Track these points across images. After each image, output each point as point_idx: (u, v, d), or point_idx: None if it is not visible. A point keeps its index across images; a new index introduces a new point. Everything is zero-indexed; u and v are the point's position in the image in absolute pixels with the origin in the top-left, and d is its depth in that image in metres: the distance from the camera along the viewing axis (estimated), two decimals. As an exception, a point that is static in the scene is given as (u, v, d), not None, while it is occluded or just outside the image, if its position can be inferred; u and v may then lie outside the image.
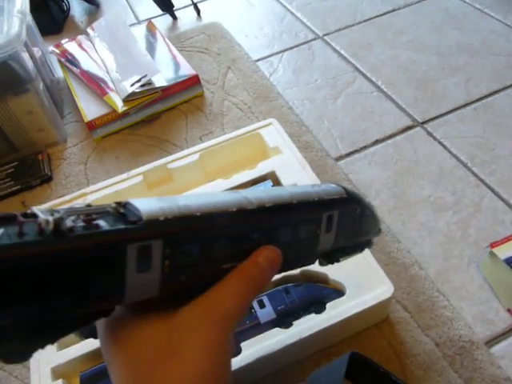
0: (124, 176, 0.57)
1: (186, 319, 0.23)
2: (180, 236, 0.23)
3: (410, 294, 0.49)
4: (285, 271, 0.29)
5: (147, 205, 0.22)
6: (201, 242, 0.24)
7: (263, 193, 0.28)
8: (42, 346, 0.20)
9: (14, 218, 0.18)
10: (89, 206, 0.21)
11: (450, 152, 0.64)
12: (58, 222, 0.19)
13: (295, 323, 0.42)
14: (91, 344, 0.42)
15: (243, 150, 0.60)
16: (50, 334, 0.20)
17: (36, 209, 0.19)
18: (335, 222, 0.31)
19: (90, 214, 0.20)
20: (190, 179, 0.58)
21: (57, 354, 0.41)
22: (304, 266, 0.32)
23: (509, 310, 0.47)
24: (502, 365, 0.44)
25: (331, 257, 0.33)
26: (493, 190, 0.58)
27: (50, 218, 0.18)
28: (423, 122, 0.68)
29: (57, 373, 0.41)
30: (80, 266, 0.19)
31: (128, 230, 0.21)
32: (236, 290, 0.25)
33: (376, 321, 0.47)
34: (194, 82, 0.75)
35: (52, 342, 0.20)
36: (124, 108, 0.71)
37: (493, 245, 0.50)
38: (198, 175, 0.59)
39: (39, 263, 0.18)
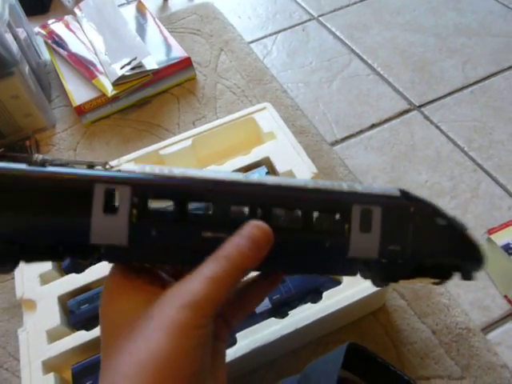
0: (115, 162, 0.55)
1: (159, 299, 0.23)
2: (151, 188, 0.24)
3: (407, 281, 0.48)
4: (306, 272, 0.27)
5: (135, 166, 0.25)
6: (175, 199, 0.24)
7: (272, 177, 0.26)
8: (14, 262, 0.23)
9: (12, 156, 0.24)
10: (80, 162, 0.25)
11: (447, 136, 0.63)
12: (44, 160, 0.24)
13: (291, 313, 0.41)
14: (83, 336, 0.41)
15: (237, 136, 0.58)
16: (18, 253, 0.23)
17: (35, 155, 0.24)
18: (377, 220, 0.25)
19: (76, 163, 0.24)
20: (182, 165, 0.56)
21: (47, 346, 0.41)
22: (333, 272, 0.29)
23: (506, 297, 0.47)
24: (498, 351, 0.44)
25: (385, 271, 0.26)
26: (490, 175, 0.58)
27: (40, 157, 0.23)
28: (420, 106, 0.67)
29: (48, 366, 0.40)
30: (52, 195, 0.23)
31: (98, 172, 0.24)
32: (208, 271, 0.23)
33: (373, 309, 0.46)
34: (185, 64, 0.73)
35: (27, 261, 0.24)
36: (114, 92, 0.69)
37: (490, 231, 0.50)
38: (190, 161, 0.57)
39: (21, 185, 0.23)
